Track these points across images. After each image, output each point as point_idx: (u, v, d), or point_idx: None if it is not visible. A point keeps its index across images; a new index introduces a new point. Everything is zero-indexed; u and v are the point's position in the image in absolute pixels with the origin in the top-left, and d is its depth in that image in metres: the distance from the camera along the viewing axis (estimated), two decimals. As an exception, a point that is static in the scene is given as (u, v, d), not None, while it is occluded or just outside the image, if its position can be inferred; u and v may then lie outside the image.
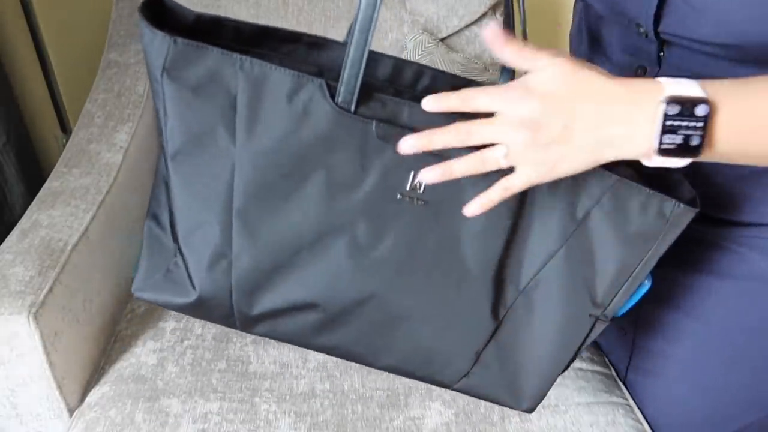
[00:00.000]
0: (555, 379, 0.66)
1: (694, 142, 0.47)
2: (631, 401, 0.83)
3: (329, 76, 0.55)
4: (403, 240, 0.56)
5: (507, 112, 0.48)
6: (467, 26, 1.24)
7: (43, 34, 1.42)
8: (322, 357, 0.84)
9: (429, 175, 0.50)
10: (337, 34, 1.18)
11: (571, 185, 0.56)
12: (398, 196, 0.54)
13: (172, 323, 0.89)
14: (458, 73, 1.17)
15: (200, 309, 0.61)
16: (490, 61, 1.27)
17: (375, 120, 0.51)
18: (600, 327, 0.62)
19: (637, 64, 0.64)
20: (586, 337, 0.62)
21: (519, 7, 0.60)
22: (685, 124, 0.46)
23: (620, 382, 0.85)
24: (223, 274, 0.57)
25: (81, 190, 0.92)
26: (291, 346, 0.85)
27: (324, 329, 0.62)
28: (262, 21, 1.18)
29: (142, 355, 0.85)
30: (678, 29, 0.58)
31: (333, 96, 0.51)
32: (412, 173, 0.53)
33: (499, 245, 0.58)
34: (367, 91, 0.51)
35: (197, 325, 0.89)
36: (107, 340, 0.90)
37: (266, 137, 0.52)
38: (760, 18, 0.52)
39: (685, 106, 0.46)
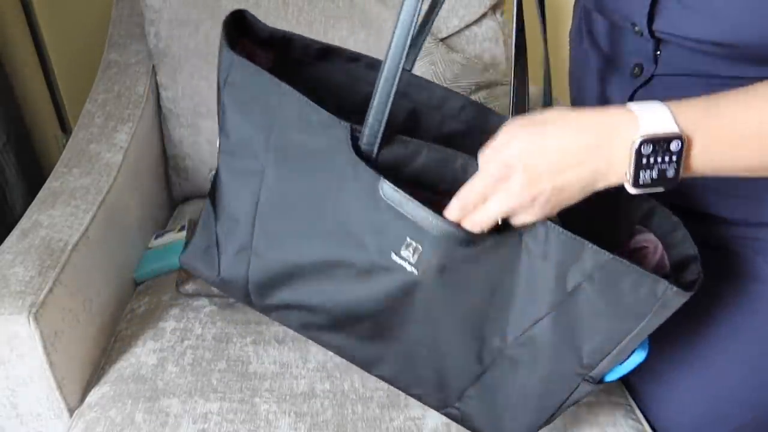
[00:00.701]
0: (538, 429, 0.66)
1: (670, 174, 0.48)
2: (631, 401, 0.83)
3: None
4: (396, 294, 0.59)
5: (500, 197, 0.52)
6: (467, 26, 1.24)
7: (43, 34, 1.42)
8: (322, 357, 0.84)
9: (452, 216, 0.54)
10: (338, 34, 1.18)
11: (563, 257, 0.56)
12: (392, 256, 0.56)
13: (172, 323, 0.89)
14: (458, 73, 1.17)
15: (224, 287, 0.67)
16: (490, 61, 1.27)
17: (383, 176, 0.54)
18: (586, 387, 0.61)
19: (635, 62, 0.65)
20: (570, 394, 0.62)
21: (538, 14, 0.61)
22: (659, 159, 0.47)
23: (620, 383, 0.85)
24: (243, 264, 0.63)
25: (81, 190, 0.92)
26: (291, 346, 0.85)
27: (328, 330, 0.64)
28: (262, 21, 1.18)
29: (142, 355, 0.85)
30: (672, 28, 0.59)
31: (358, 138, 0.55)
32: (408, 239, 0.55)
33: (484, 308, 0.59)
34: (391, 136, 0.55)
35: (197, 325, 0.89)
36: (107, 340, 0.90)
37: (293, 161, 0.56)
38: (751, 17, 0.52)
39: (659, 143, 0.47)
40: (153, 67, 1.21)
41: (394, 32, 0.52)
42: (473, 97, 1.15)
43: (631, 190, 0.50)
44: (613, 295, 0.55)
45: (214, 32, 1.18)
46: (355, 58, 0.66)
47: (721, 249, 0.69)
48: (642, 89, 0.65)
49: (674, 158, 0.47)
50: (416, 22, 0.51)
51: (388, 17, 1.19)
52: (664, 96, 0.64)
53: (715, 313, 0.72)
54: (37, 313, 0.73)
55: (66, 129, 1.54)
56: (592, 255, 0.55)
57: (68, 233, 0.84)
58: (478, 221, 0.54)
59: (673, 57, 0.61)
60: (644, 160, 0.47)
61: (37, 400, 0.78)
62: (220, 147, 0.60)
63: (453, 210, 0.54)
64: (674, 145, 0.47)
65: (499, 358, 0.62)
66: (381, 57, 0.61)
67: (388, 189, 0.54)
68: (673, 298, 0.55)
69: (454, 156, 0.56)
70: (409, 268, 0.56)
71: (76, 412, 0.81)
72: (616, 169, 0.49)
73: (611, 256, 0.54)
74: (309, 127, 0.55)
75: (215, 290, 0.89)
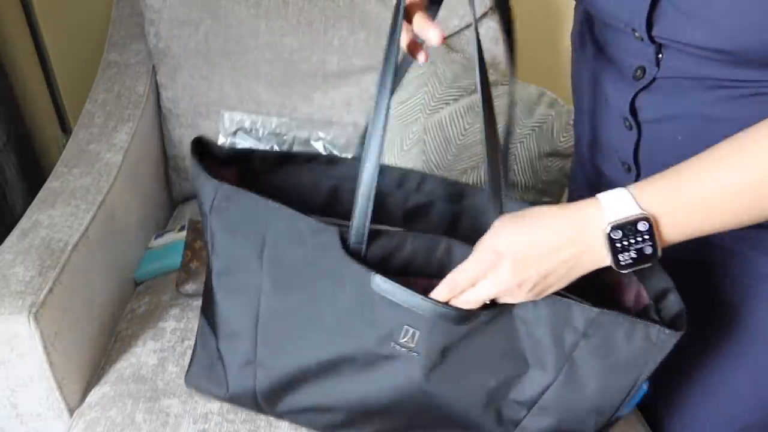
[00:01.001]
0: None
1: (648, 251, 0.52)
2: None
3: (343, 187, 0.67)
4: (405, 381, 0.61)
5: (489, 282, 0.55)
6: (467, 26, 1.24)
7: (43, 34, 1.42)
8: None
9: (442, 297, 0.57)
10: (338, 33, 1.18)
11: (554, 319, 0.58)
12: (392, 344, 0.59)
13: (172, 323, 0.89)
14: (458, 73, 1.17)
15: (233, 401, 0.70)
16: (490, 61, 1.27)
17: (375, 266, 0.57)
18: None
19: (637, 65, 0.65)
20: None
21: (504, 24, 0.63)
22: (633, 241, 0.51)
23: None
24: (250, 377, 0.65)
25: (81, 190, 0.92)
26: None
27: (342, 428, 0.67)
28: (262, 21, 1.18)
29: (143, 355, 0.85)
30: (671, 34, 0.59)
31: (346, 240, 0.58)
32: (405, 326, 0.58)
33: (494, 383, 0.62)
34: (376, 231, 0.58)
35: (197, 324, 0.89)
36: (107, 340, 0.90)
37: (286, 271, 0.59)
38: (750, 24, 0.52)
39: (627, 227, 0.50)
40: (153, 67, 1.21)
41: (370, 139, 0.56)
42: (473, 97, 1.15)
43: (621, 271, 0.53)
44: (611, 348, 0.58)
45: (214, 32, 1.18)
46: (312, 158, 0.70)
47: (722, 248, 0.69)
48: (644, 91, 0.65)
49: (646, 237, 0.51)
50: (386, 121, 0.56)
51: (388, 17, 1.19)
52: (665, 98, 0.64)
53: (716, 313, 0.72)
54: (37, 313, 0.73)
55: (66, 129, 1.53)
56: (580, 312, 0.57)
57: (68, 233, 0.84)
58: (464, 301, 0.57)
59: (676, 61, 0.62)
60: (618, 245, 0.51)
61: (37, 400, 0.78)
62: (212, 268, 0.63)
63: (441, 291, 0.57)
64: (642, 226, 0.51)
65: (517, 429, 0.64)
66: (381, 57, 0.61)
67: (379, 281, 0.56)
68: (668, 339, 0.57)
69: (437, 240, 0.60)
70: (410, 353, 0.58)
71: (76, 412, 0.81)
72: (597, 255, 0.53)
73: (599, 309, 0.57)
74: (299, 236, 0.58)
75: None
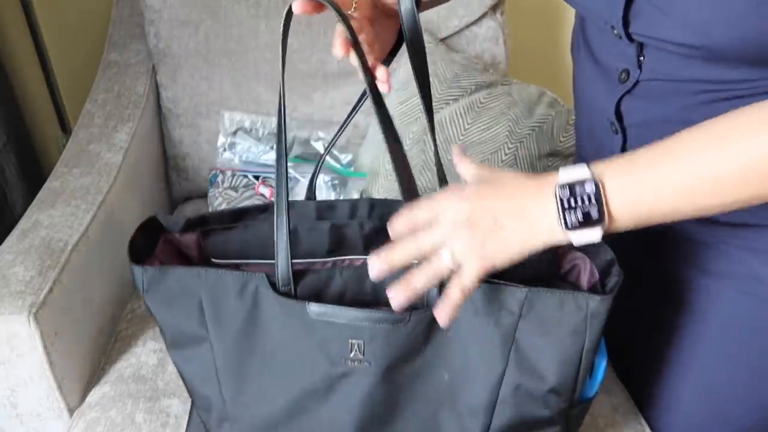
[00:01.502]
0: None
1: (594, 215, 0.53)
2: (631, 402, 0.83)
3: (302, 226, 0.70)
4: (365, 392, 0.63)
5: (446, 216, 0.54)
6: (467, 26, 1.24)
7: (43, 34, 1.42)
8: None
9: (397, 298, 0.55)
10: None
11: (489, 306, 0.59)
12: (343, 361, 0.61)
13: (172, 323, 0.89)
14: (458, 72, 1.17)
15: None
16: (490, 61, 1.27)
17: (308, 300, 0.60)
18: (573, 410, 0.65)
19: (622, 68, 0.65)
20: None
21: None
22: (579, 201, 0.52)
23: (620, 383, 0.85)
24: None
25: (81, 190, 0.92)
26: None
27: None
28: (262, 21, 1.18)
29: (143, 355, 0.85)
30: (648, 31, 0.60)
31: (275, 283, 0.61)
32: (350, 341, 0.60)
33: (446, 381, 0.63)
34: (303, 271, 0.61)
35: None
36: (107, 340, 0.90)
37: (229, 327, 0.62)
38: (719, 19, 0.53)
39: (574, 186, 0.53)
40: (153, 67, 1.21)
41: (278, 197, 0.60)
42: (473, 97, 1.15)
43: (569, 236, 0.54)
44: (547, 323, 0.59)
45: (214, 32, 1.18)
46: (264, 208, 0.73)
47: (718, 248, 0.70)
48: (628, 95, 0.66)
49: (593, 199, 0.52)
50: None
51: (388, 17, 1.19)
52: (647, 102, 0.64)
53: (714, 310, 0.72)
54: (37, 313, 0.73)
55: (66, 129, 1.53)
56: (511, 294, 0.59)
57: (68, 233, 0.84)
58: (416, 246, 0.55)
59: (656, 62, 0.62)
60: (565, 203, 0.53)
61: (37, 400, 0.78)
62: (166, 343, 0.67)
63: (398, 225, 0.56)
64: (588, 187, 0.52)
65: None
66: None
67: (314, 308, 0.60)
68: (598, 305, 0.58)
69: (365, 269, 0.60)
70: (362, 365, 0.61)
71: (76, 412, 0.81)
72: (549, 217, 0.53)
73: (526, 288, 0.59)
74: (229, 289, 0.61)
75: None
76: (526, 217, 0.54)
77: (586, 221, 0.53)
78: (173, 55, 1.18)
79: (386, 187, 1.14)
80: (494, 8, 1.25)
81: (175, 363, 0.68)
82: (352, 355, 0.61)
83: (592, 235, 0.53)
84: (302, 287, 0.62)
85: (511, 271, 0.64)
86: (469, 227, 0.54)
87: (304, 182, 1.14)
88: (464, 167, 0.59)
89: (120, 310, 0.95)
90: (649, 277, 0.77)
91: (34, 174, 1.44)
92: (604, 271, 0.64)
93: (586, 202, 0.53)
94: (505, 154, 1.13)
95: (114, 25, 1.28)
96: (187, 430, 0.74)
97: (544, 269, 0.67)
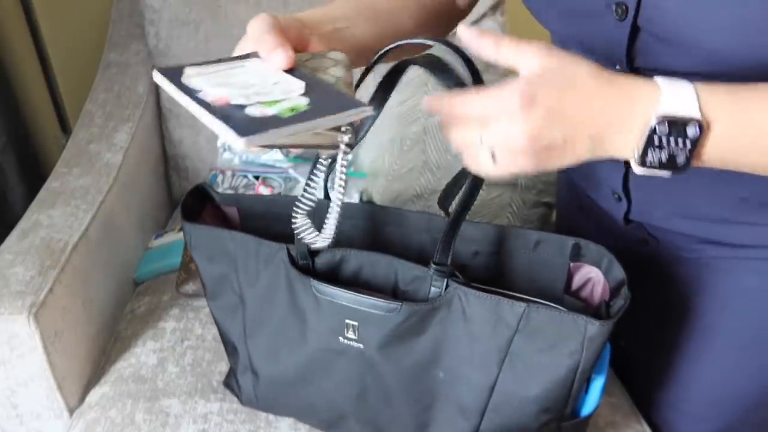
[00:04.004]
0: None
1: (680, 161, 0.46)
2: (631, 402, 0.83)
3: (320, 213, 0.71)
4: (357, 373, 0.66)
5: (504, 124, 0.46)
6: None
7: (43, 34, 1.42)
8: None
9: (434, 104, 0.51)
10: (337, 34, 1.18)
11: (488, 317, 0.59)
12: (340, 339, 0.64)
13: (172, 323, 0.89)
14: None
15: (249, 405, 0.78)
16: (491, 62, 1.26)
17: (312, 278, 0.64)
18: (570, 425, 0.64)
19: None
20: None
21: None
22: (673, 143, 0.45)
23: (620, 383, 0.85)
24: (250, 383, 0.75)
25: (81, 190, 0.92)
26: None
27: (329, 428, 0.74)
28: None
29: (142, 355, 0.85)
30: (655, 63, 0.56)
31: (294, 257, 0.65)
32: (346, 320, 0.63)
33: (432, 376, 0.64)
34: (318, 248, 0.63)
35: (197, 325, 0.89)
36: (107, 340, 0.90)
37: (257, 285, 0.68)
38: (726, 46, 0.50)
39: (676, 126, 0.44)
40: (153, 66, 1.21)
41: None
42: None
43: (637, 170, 0.47)
44: (543, 340, 0.58)
45: (214, 32, 1.18)
46: (292, 199, 0.75)
47: (718, 266, 0.70)
48: None
49: (688, 144, 0.45)
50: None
51: (388, 17, 1.19)
52: None
53: (718, 312, 0.72)
54: (37, 313, 0.73)
55: (66, 129, 1.53)
56: (509, 308, 0.58)
57: (68, 233, 0.84)
58: (460, 137, 0.49)
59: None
60: (656, 140, 0.45)
61: (37, 400, 0.79)
62: (206, 295, 0.73)
63: (437, 103, 0.50)
64: (691, 131, 0.44)
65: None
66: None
67: (316, 284, 0.63)
68: (597, 329, 0.55)
69: (377, 257, 0.63)
70: (356, 345, 0.64)
71: (76, 412, 0.81)
72: (627, 141, 0.46)
73: (525, 304, 0.57)
74: (258, 256, 0.67)
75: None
76: (604, 141, 0.46)
77: (668, 164, 0.46)
78: (173, 55, 1.18)
79: (386, 188, 1.14)
80: (494, 8, 1.25)
81: (212, 312, 0.74)
82: (348, 334, 0.64)
83: (661, 174, 0.47)
84: (318, 263, 0.65)
85: (519, 281, 0.66)
86: (536, 140, 0.45)
87: (303, 183, 1.13)
88: (516, 54, 0.47)
89: (120, 310, 0.95)
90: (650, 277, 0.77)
91: (34, 174, 1.44)
92: (612, 290, 0.62)
93: (680, 145, 0.45)
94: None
95: (114, 25, 1.28)
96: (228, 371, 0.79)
97: (554, 286, 0.65)
